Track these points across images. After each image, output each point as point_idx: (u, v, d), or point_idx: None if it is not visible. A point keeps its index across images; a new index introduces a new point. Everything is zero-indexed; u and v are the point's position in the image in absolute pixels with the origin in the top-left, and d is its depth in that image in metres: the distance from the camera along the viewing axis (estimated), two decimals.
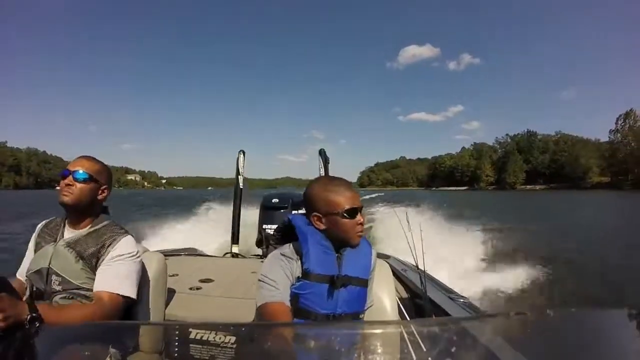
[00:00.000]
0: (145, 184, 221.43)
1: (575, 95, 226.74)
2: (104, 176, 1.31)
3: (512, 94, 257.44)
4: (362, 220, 1.12)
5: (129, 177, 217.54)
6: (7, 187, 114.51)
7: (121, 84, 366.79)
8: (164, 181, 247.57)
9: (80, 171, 1.24)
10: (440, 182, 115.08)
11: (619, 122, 76.14)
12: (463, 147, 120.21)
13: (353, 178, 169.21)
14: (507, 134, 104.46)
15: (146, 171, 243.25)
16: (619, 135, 75.78)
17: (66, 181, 1.24)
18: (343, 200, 1.11)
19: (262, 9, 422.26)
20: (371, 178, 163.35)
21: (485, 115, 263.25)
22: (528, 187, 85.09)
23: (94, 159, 1.33)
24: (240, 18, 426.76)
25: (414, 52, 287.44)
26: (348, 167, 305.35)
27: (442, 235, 5.98)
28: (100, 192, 1.30)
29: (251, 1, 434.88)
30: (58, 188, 1.26)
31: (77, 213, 1.28)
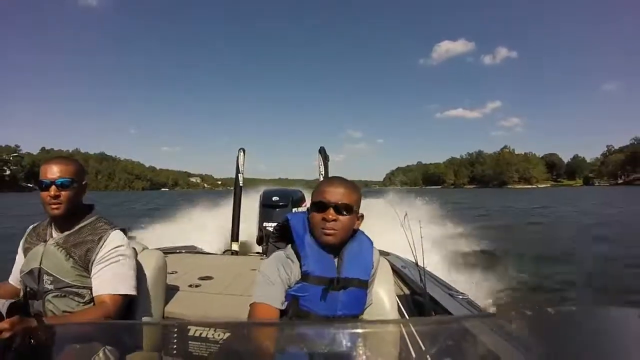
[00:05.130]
0: (205, 185, 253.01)
1: (617, 88, 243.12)
2: (81, 174, 1.27)
3: (552, 87, 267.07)
4: (329, 216, 1.06)
5: (192, 179, 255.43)
6: (143, 189, 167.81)
7: (163, 89, 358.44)
8: (219, 182, 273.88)
9: (62, 178, 1.20)
10: (428, 182, 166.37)
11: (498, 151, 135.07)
12: (449, 158, 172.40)
13: (382, 178, 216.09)
14: (467, 152, 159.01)
15: (204, 174, 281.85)
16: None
17: (51, 193, 1.19)
18: (317, 193, 1.11)
19: (293, 8, 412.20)
20: (392, 180, 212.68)
21: (525, 111, 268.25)
22: (469, 186, 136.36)
23: (65, 158, 1.27)
24: (271, 17, 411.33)
25: (447, 47, 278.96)
26: (384, 167, 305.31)
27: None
28: (81, 191, 1.28)
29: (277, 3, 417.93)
30: (48, 196, 1.19)
31: (62, 218, 1.26)
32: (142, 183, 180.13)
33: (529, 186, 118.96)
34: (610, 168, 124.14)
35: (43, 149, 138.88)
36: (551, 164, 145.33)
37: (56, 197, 1.20)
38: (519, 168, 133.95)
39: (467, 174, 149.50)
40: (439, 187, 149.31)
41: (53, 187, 1.19)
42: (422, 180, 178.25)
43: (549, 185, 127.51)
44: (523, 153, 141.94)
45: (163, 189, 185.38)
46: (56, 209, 1.21)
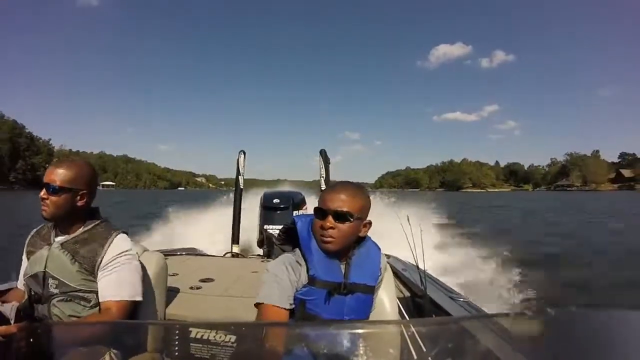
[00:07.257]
0: (210, 185, 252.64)
1: (614, 93, 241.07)
2: (81, 181, 1.24)
3: (548, 91, 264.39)
4: (327, 224, 1.06)
5: (198, 179, 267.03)
6: (165, 188, 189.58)
7: (161, 87, 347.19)
8: (223, 182, 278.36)
9: (52, 184, 1.19)
10: (410, 186, 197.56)
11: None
12: (428, 165, 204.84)
13: (373, 181, 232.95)
14: (442, 161, 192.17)
15: (207, 174, 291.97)
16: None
17: (41, 194, 1.20)
18: (319, 199, 1.11)
19: (293, 10, 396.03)
20: (382, 183, 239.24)
21: (522, 115, 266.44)
22: (439, 190, 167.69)
23: (70, 163, 1.25)
24: (271, 19, 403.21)
25: (444, 50, 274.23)
26: (382, 168, 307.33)
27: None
28: (79, 198, 1.24)
29: (277, 5, 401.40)
30: (40, 197, 1.22)
31: (61, 222, 1.25)
32: (164, 183, 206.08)
33: (479, 190, 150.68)
34: (549, 177, 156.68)
35: (70, 150, 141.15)
36: (514, 171, 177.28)
37: (43, 199, 1.20)
38: (471, 176, 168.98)
39: (439, 179, 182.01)
40: (417, 190, 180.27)
41: (43, 189, 1.20)
42: (405, 183, 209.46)
43: (509, 189, 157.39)
44: (476, 162, 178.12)
45: (179, 188, 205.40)
46: (42, 210, 1.21)
